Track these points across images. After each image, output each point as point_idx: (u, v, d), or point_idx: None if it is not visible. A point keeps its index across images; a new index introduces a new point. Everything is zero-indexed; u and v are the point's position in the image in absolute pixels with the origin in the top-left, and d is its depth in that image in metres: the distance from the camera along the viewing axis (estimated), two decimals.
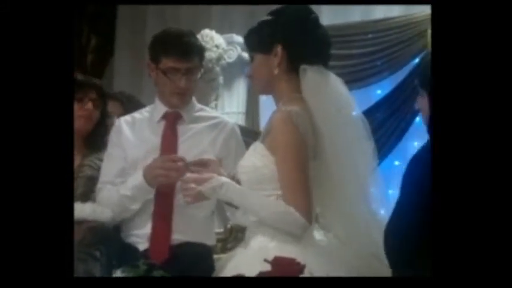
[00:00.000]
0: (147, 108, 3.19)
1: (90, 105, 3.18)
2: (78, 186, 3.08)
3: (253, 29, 2.78)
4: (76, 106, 3.12)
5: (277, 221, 2.56)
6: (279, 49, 2.67)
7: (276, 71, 2.67)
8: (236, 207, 2.74)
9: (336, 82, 2.72)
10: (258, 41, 2.73)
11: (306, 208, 2.55)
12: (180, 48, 3.01)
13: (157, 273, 2.35)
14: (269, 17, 2.74)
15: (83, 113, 3.16)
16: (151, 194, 2.97)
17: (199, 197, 2.70)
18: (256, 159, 2.64)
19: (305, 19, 2.72)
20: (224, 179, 2.67)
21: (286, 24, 2.70)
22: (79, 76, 3.20)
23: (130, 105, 3.69)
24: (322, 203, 2.67)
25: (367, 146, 2.68)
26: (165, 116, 3.09)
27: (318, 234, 2.66)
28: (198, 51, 3.07)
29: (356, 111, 2.76)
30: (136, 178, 2.96)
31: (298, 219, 2.53)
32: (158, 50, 3.04)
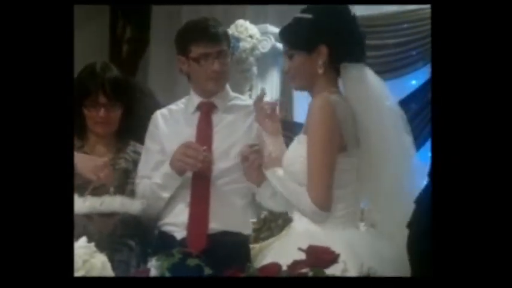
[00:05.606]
0: (183, 100, 3.19)
1: (102, 112, 3.10)
2: (114, 179, 3.07)
3: (291, 27, 2.78)
4: (91, 113, 3.10)
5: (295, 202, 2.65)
6: (323, 49, 2.69)
7: (320, 71, 2.70)
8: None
9: (373, 77, 2.76)
10: (300, 39, 2.73)
11: (320, 193, 2.60)
12: (207, 33, 3.03)
13: (191, 262, 2.36)
14: (308, 16, 2.74)
15: (99, 119, 3.12)
16: (179, 182, 2.98)
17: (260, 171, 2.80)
18: (303, 150, 2.66)
19: (347, 19, 2.75)
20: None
21: (330, 25, 2.71)
22: (81, 79, 3.10)
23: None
24: (362, 196, 2.72)
25: (405, 139, 2.73)
26: (199, 107, 3.10)
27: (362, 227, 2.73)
28: (225, 35, 3.08)
29: (393, 105, 2.79)
30: (166, 165, 2.99)
31: (307, 203, 2.59)
32: (186, 40, 3.07)
